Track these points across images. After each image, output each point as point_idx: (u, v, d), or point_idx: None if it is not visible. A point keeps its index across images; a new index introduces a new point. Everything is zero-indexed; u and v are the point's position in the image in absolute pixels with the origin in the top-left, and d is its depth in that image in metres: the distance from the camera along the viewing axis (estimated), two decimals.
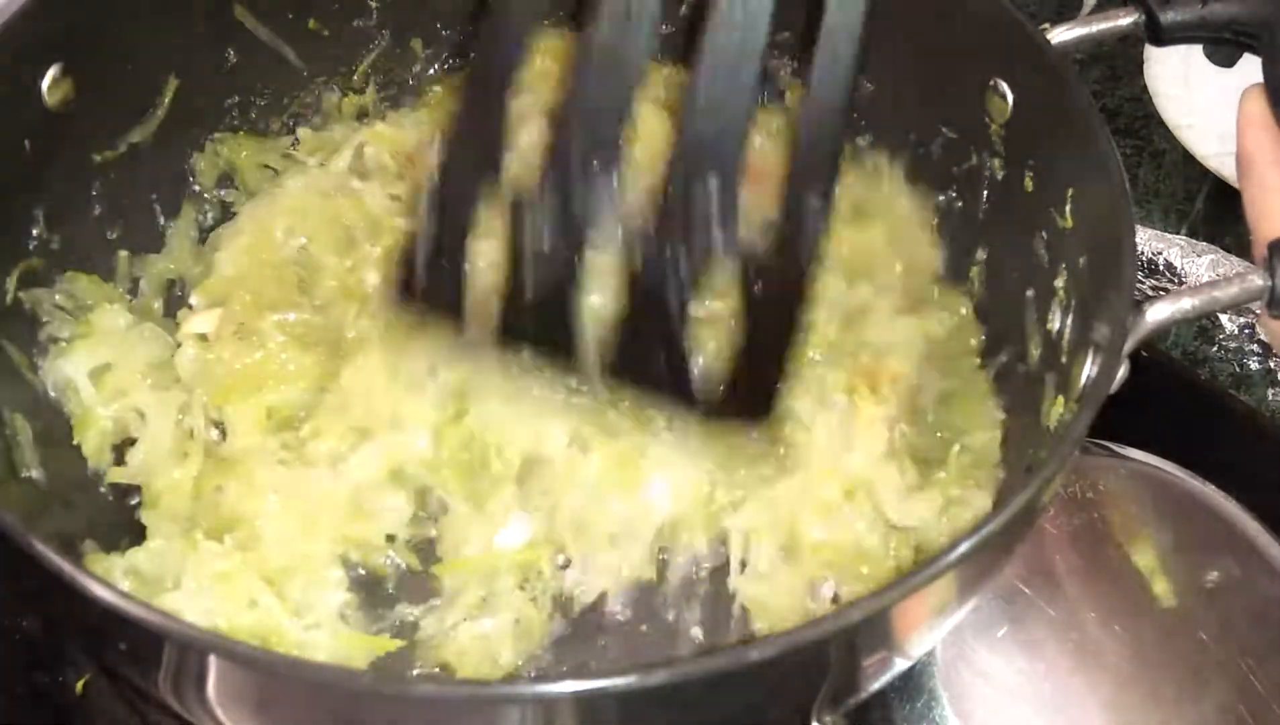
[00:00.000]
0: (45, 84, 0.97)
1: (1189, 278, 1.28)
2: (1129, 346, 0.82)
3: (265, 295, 1.07)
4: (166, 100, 1.09)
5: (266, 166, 1.18)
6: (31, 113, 0.97)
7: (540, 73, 1.00)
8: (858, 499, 0.98)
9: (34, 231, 0.99)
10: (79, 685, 1.01)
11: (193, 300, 1.10)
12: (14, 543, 0.74)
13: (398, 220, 1.12)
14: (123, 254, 1.09)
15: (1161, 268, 1.30)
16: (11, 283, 0.97)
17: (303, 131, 1.20)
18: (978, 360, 1.07)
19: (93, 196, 1.05)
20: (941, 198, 1.13)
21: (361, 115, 1.22)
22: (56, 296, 1.02)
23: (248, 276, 1.09)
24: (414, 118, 1.21)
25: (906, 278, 1.12)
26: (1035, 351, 0.99)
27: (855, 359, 1.04)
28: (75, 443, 1.00)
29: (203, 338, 1.05)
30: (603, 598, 0.99)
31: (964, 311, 1.10)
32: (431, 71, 1.24)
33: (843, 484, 0.98)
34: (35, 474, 0.94)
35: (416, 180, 1.14)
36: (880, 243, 1.13)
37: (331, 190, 1.13)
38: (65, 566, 0.72)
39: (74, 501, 0.97)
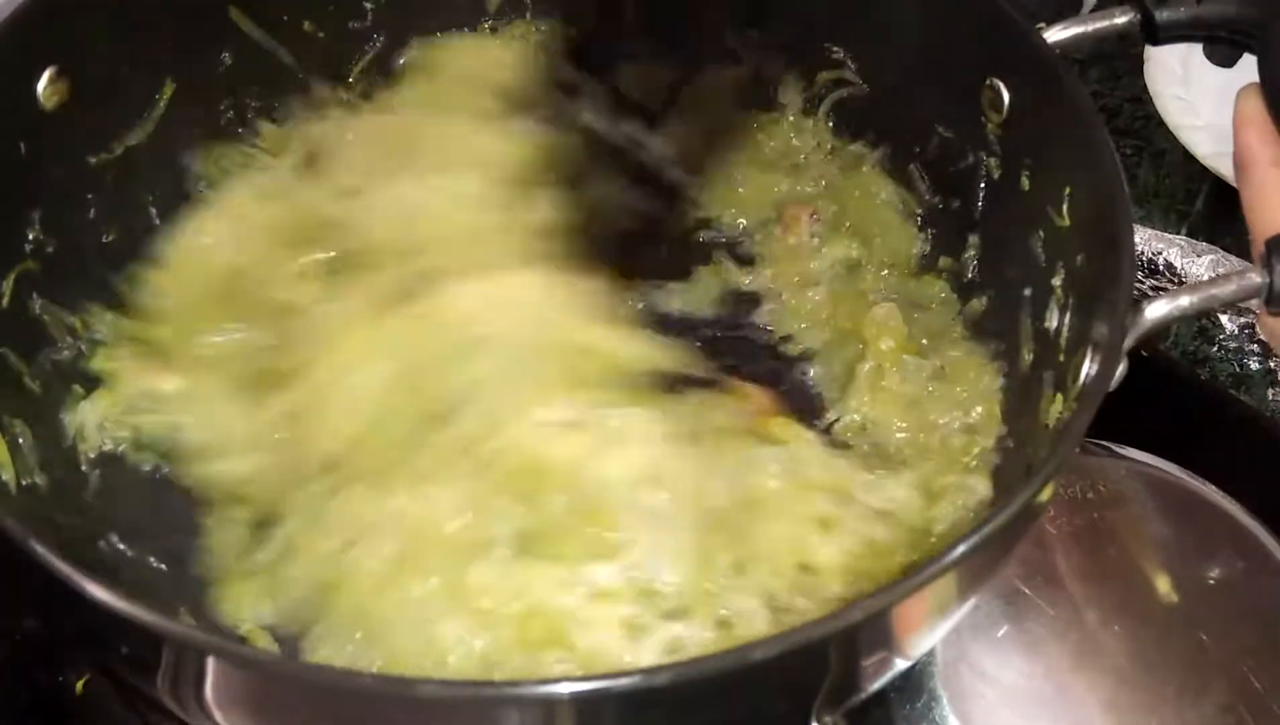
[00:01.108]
0: (41, 86, 0.97)
1: (1189, 278, 1.29)
2: (1128, 344, 0.82)
3: (201, 316, 1.05)
4: (163, 103, 1.09)
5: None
6: (27, 115, 0.97)
7: None
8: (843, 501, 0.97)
9: (29, 235, 0.99)
10: (79, 685, 1.01)
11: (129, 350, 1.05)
12: (15, 545, 0.74)
13: (345, 217, 1.11)
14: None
15: (1161, 268, 1.30)
16: (8, 286, 0.97)
17: (264, 125, 1.18)
18: (965, 332, 1.08)
19: (88, 200, 1.05)
20: (937, 197, 1.13)
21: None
22: (69, 319, 1.02)
23: (186, 300, 1.07)
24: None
25: (877, 272, 1.13)
26: (1033, 350, 0.99)
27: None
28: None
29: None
30: None
31: (943, 295, 1.10)
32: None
33: (826, 491, 0.97)
34: (38, 480, 0.94)
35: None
36: (855, 242, 1.14)
37: (275, 192, 1.12)
38: (65, 569, 0.72)
39: (76, 506, 0.97)
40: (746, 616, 0.91)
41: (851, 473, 0.98)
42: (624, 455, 0.95)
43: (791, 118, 1.22)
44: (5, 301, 0.97)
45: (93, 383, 1.02)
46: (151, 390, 1.02)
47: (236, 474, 0.99)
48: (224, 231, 1.09)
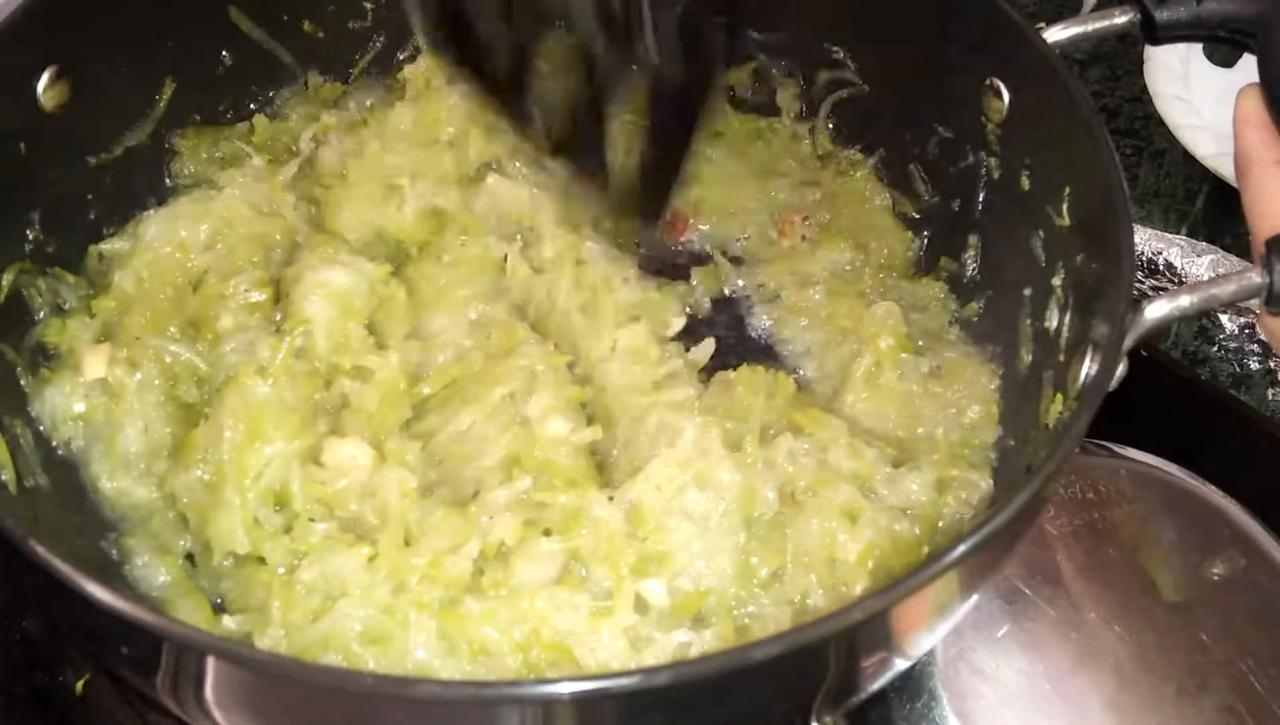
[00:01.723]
0: (41, 86, 0.97)
1: (1189, 278, 1.28)
2: (1128, 344, 0.82)
3: (159, 320, 1.03)
4: (163, 103, 1.09)
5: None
6: (27, 115, 0.97)
7: None
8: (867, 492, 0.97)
9: (29, 234, 0.99)
10: (79, 685, 1.01)
11: (85, 324, 1.03)
12: (16, 547, 0.73)
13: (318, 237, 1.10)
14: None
15: (1161, 268, 1.30)
16: (6, 285, 0.97)
17: (259, 119, 1.17)
18: (962, 333, 1.09)
19: (88, 200, 1.05)
20: (936, 197, 1.14)
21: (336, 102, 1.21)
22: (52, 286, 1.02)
23: (147, 295, 1.05)
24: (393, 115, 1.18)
25: (874, 275, 1.14)
26: (1032, 350, 0.99)
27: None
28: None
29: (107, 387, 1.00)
30: None
31: (940, 296, 1.11)
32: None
33: (852, 481, 0.97)
34: (40, 481, 0.94)
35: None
36: (848, 245, 1.15)
37: (263, 204, 1.10)
38: (65, 569, 0.72)
39: (76, 506, 0.97)
40: (769, 622, 0.91)
41: (876, 463, 0.98)
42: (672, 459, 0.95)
43: (789, 124, 1.23)
44: (2, 297, 0.97)
45: (50, 359, 1.01)
46: (95, 377, 1.00)
47: (143, 499, 0.97)
48: (203, 232, 1.07)
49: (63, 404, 0.98)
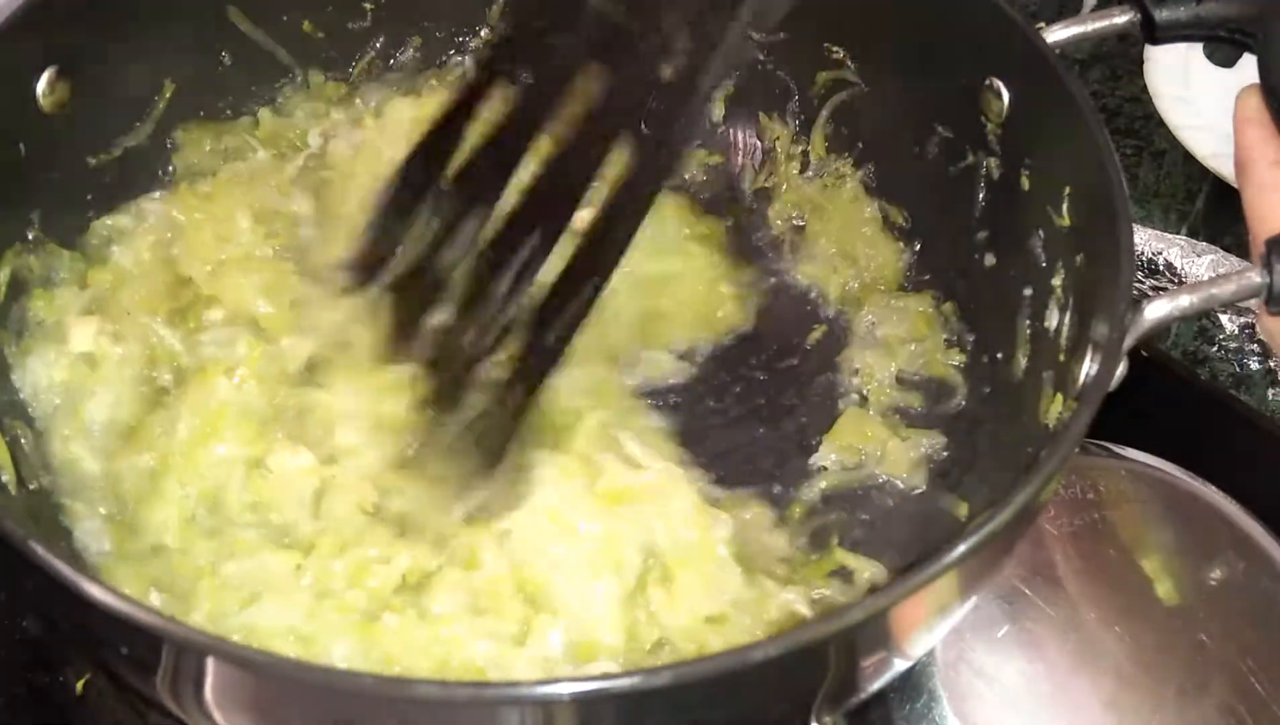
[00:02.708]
0: (41, 87, 0.97)
1: (1189, 278, 1.29)
2: (1128, 343, 0.82)
3: (151, 301, 1.03)
4: (163, 103, 1.09)
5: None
6: (27, 115, 0.97)
7: None
8: None
9: (29, 235, 0.99)
10: (79, 685, 1.00)
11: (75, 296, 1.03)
12: (16, 547, 0.73)
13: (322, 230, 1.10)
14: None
15: (1161, 268, 1.30)
16: (4, 282, 0.97)
17: (263, 113, 1.17)
18: (951, 349, 1.09)
19: (88, 200, 1.05)
20: (936, 197, 1.14)
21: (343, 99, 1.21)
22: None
23: (145, 275, 1.04)
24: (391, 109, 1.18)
25: (863, 290, 1.14)
26: (1033, 350, 0.99)
27: None
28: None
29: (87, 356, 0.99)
30: None
31: (928, 312, 1.11)
32: (423, 70, 1.23)
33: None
34: (44, 482, 0.94)
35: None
36: (835, 258, 1.15)
37: (265, 199, 1.10)
38: (65, 569, 0.72)
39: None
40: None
41: None
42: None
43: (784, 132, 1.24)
44: (1, 296, 0.97)
45: (35, 330, 1.00)
46: (82, 350, 0.99)
47: (90, 471, 0.96)
48: (205, 225, 1.07)
49: (44, 373, 0.97)
